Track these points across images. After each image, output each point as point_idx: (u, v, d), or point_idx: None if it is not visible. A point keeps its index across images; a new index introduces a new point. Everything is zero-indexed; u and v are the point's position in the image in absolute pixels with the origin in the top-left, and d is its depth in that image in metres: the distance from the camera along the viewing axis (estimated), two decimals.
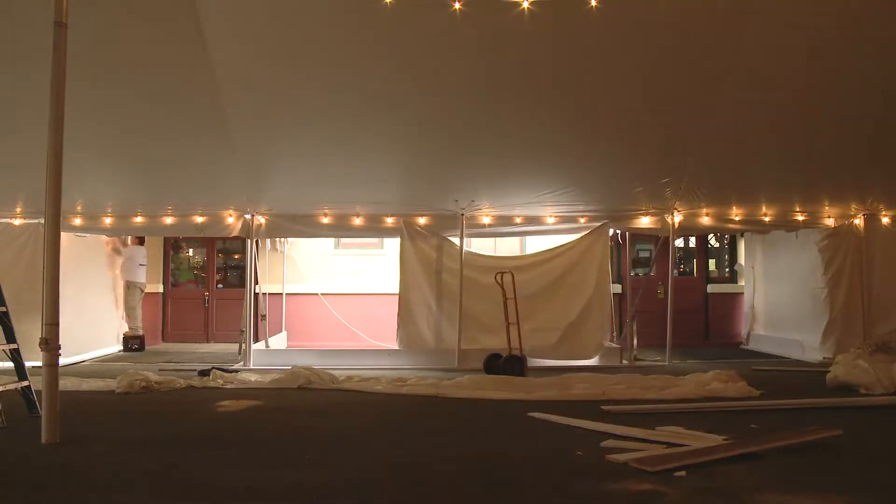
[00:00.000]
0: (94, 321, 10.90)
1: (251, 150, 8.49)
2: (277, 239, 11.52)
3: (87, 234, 10.56)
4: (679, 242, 11.77)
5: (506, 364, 8.77)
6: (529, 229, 10.22)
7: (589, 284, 9.84)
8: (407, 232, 9.87)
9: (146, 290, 11.93)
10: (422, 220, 9.87)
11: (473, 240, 10.46)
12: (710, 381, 7.59)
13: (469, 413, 6.66)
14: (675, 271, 10.48)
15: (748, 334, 12.05)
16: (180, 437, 5.67)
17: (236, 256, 12.75)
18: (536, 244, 11.40)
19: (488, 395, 7.30)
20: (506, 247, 12.02)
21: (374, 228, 10.11)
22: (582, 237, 9.95)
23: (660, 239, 10.28)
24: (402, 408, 6.96)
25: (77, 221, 9.72)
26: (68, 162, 5.38)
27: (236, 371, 8.94)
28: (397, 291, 10.01)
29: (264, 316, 11.04)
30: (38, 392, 5.56)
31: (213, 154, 8.50)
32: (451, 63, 7.29)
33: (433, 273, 9.86)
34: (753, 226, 10.23)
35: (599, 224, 9.87)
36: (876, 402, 6.90)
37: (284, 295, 12.06)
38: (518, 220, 9.88)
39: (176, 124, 8.06)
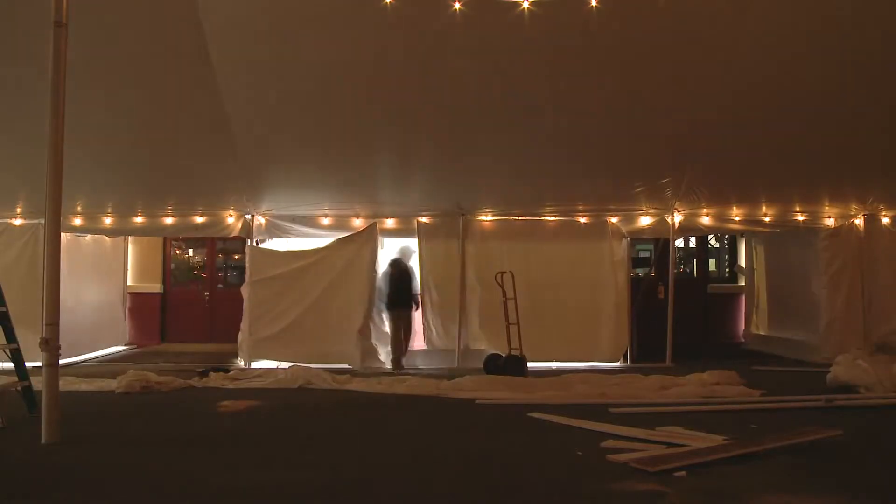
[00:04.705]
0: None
1: (251, 151, 8.48)
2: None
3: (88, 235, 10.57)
4: (679, 242, 11.75)
5: (506, 364, 8.76)
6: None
7: (607, 284, 9.80)
8: (424, 232, 9.81)
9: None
10: (424, 220, 9.85)
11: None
12: (710, 382, 7.60)
13: (469, 413, 6.66)
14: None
15: (748, 334, 12.04)
16: (180, 437, 5.67)
17: (236, 256, 12.73)
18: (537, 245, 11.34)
19: (488, 395, 7.29)
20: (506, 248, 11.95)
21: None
22: (595, 238, 9.90)
23: (660, 239, 10.28)
24: (402, 408, 6.96)
25: (77, 221, 9.72)
26: (68, 162, 5.37)
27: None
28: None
29: None
30: (39, 392, 5.56)
31: (213, 154, 8.49)
32: (451, 63, 7.29)
33: (455, 273, 9.77)
34: (753, 226, 10.22)
35: (608, 224, 9.86)
36: (876, 402, 6.90)
37: None
38: (518, 221, 9.87)
39: (176, 124, 8.06)
